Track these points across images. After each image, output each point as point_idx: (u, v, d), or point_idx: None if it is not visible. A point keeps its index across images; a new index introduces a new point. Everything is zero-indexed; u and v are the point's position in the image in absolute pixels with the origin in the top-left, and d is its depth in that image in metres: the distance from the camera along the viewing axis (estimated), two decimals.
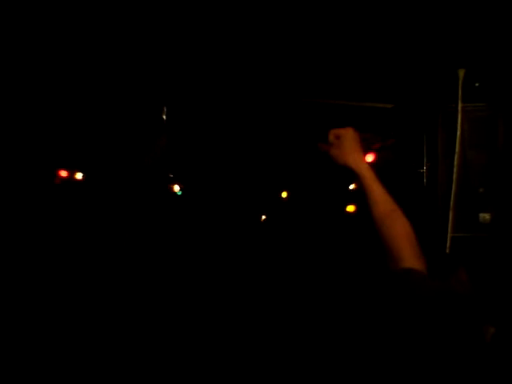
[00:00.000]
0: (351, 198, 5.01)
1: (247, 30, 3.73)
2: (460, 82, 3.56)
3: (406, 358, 1.45)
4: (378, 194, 1.61)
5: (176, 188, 5.41)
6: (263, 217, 5.67)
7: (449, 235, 3.55)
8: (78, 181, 5.00)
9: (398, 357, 1.48)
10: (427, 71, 3.73)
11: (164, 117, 4.82)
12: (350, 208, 5.09)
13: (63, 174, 4.96)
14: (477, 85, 3.67)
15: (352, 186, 4.97)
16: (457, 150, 3.53)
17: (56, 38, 3.86)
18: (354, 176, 1.67)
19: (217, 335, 4.63)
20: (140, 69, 4.28)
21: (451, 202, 3.55)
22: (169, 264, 5.03)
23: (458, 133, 3.55)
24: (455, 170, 3.51)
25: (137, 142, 4.86)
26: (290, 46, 3.84)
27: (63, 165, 4.95)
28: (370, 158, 4.70)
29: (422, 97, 3.85)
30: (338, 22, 3.58)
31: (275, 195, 5.55)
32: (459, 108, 3.56)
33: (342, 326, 4.51)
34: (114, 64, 4.21)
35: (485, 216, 3.59)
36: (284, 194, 5.57)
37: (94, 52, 4.04)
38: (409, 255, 1.52)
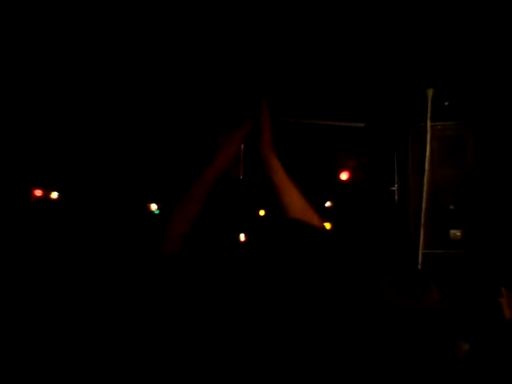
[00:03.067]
0: (327, 215, 5.03)
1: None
2: (429, 102, 3.62)
3: (382, 376, 1.50)
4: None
5: (153, 207, 5.39)
6: (242, 235, 5.66)
7: (420, 252, 3.59)
8: (53, 200, 4.97)
9: (373, 375, 1.52)
10: (397, 91, 3.79)
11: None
12: (326, 225, 5.11)
13: (38, 193, 4.93)
14: (446, 104, 3.74)
15: (328, 204, 5.00)
16: (426, 167, 3.58)
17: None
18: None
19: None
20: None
21: (422, 219, 3.59)
22: (148, 285, 4.99)
23: (428, 151, 3.61)
24: (425, 187, 3.56)
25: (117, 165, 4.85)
26: (262, 67, 3.88)
27: (38, 184, 4.92)
28: (344, 176, 4.75)
29: (392, 116, 3.91)
30: (308, 41, 3.62)
31: (253, 213, 5.55)
32: (428, 127, 3.63)
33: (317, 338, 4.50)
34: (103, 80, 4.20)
35: (455, 233, 3.64)
36: (261, 213, 5.58)
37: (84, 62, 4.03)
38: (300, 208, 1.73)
